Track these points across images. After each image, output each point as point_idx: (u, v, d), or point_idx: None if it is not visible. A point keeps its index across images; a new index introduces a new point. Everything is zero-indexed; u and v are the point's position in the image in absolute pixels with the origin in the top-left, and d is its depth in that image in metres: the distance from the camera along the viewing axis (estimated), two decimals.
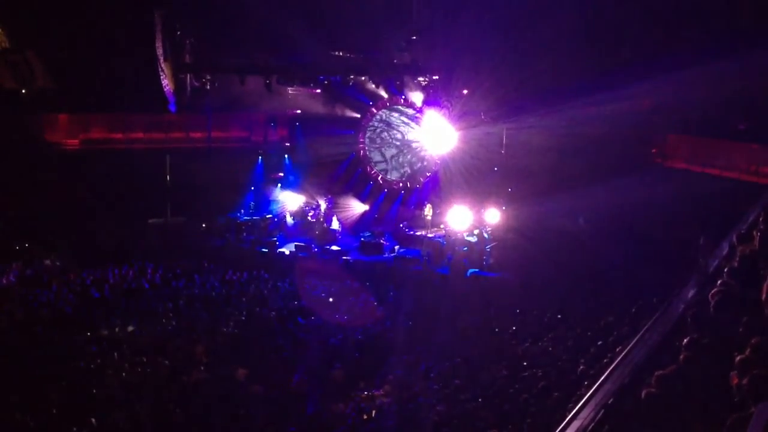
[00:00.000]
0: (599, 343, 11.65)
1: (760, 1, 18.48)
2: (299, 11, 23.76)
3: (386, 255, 24.04)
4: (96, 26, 23.00)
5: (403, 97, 27.12)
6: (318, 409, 13.77)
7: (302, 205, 28.06)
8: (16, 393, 13.05)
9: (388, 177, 28.22)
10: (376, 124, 28.14)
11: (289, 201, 28.32)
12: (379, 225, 26.73)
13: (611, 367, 7.54)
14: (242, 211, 27.10)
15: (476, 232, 23.81)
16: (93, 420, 12.24)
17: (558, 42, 20.43)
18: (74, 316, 17.93)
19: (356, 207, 27.44)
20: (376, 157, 28.35)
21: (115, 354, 15.49)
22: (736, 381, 4.64)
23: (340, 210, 27.19)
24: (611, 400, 6.43)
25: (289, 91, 28.08)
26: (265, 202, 28.25)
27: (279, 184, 28.78)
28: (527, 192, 22.32)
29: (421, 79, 26.04)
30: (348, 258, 23.64)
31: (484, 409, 10.86)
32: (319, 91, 28.07)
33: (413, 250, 24.22)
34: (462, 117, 25.30)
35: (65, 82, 24.37)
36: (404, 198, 27.81)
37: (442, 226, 25.37)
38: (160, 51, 24.45)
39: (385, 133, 28.08)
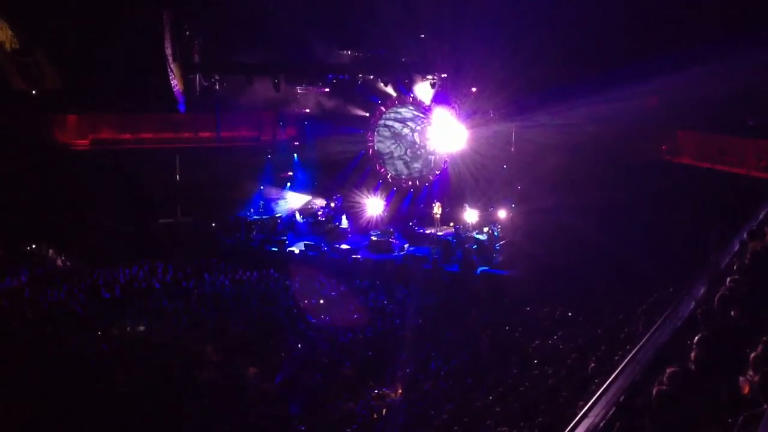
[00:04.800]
0: (610, 340, 11.63)
1: None
2: (307, 10, 23.78)
3: (396, 253, 24.03)
4: (105, 27, 23.07)
5: (412, 95, 27.11)
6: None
7: (311, 203, 28.09)
8: (28, 392, 13.13)
9: (397, 175, 28.20)
10: (385, 122, 28.13)
11: (298, 200, 28.38)
12: (389, 223, 26.72)
13: (622, 365, 7.51)
14: (252, 210, 27.12)
15: (486, 229, 23.81)
16: (104, 419, 12.32)
17: (566, 39, 20.37)
18: (85, 316, 18.03)
19: (369, 205, 27.24)
20: (385, 155, 28.33)
21: (126, 353, 15.57)
22: (747, 390, 4.63)
23: (352, 209, 27.12)
24: (622, 397, 6.41)
25: (298, 90, 28.14)
26: (274, 201, 28.28)
27: (288, 183, 28.84)
28: (536, 189, 22.28)
29: (429, 77, 26.03)
30: (357, 256, 23.64)
31: (494, 407, 10.84)
32: (327, 89, 28.10)
33: (423, 248, 24.22)
34: (471, 115, 25.32)
35: (75, 83, 24.46)
36: (413, 196, 27.81)
37: (451, 223, 25.38)
38: (169, 51, 24.52)
39: (394, 132, 28.06)
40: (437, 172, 27.44)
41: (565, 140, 21.25)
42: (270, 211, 27.64)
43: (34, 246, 23.34)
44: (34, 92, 24.19)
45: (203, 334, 17.06)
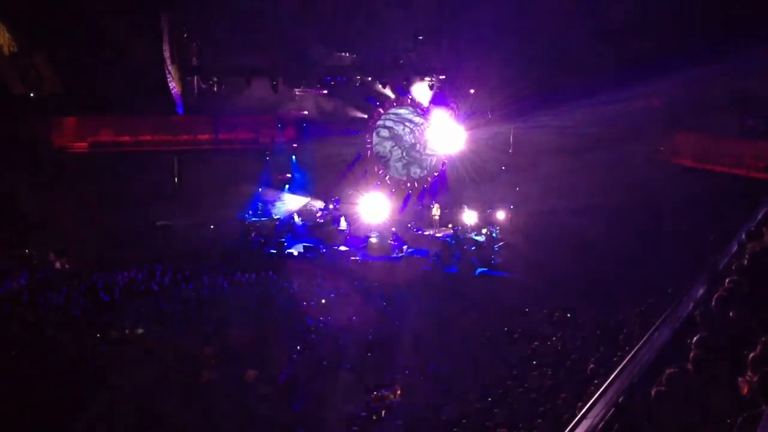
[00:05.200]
0: (608, 341, 11.62)
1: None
2: (306, 13, 23.79)
3: (394, 255, 24.02)
4: (103, 29, 23.04)
5: (410, 97, 27.12)
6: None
7: (310, 205, 28.07)
8: (27, 395, 13.11)
9: (396, 176, 28.19)
10: (383, 123, 28.13)
11: (297, 202, 28.37)
12: (387, 225, 26.67)
13: (621, 366, 7.51)
14: (250, 212, 27.11)
15: (484, 231, 23.82)
16: (103, 421, 12.29)
17: (565, 41, 20.38)
18: (84, 319, 17.99)
19: (368, 207, 27.14)
20: (384, 156, 28.33)
21: (125, 356, 15.54)
22: (745, 391, 4.62)
23: (351, 210, 27.06)
24: (621, 399, 6.40)
25: (296, 92, 28.13)
26: (272, 203, 28.26)
27: (286, 185, 28.83)
28: (535, 191, 22.30)
29: (427, 79, 26.04)
30: (356, 258, 23.62)
31: (493, 408, 10.84)
32: (326, 92, 28.10)
33: (421, 249, 24.20)
34: (469, 116, 25.35)
35: (73, 86, 24.43)
36: (412, 197, 27.80)
37: (450, 225, 25.38)
38: (167, 53, 24.50)
39: (393, 133, 28.06)
40: (436, 174, 27.45)
41: (564, 142, 21.30)
42: (268, 213, 27.63)
43: (33, 249, 23.29)
44: (32, 95, 24.16)
45: (202, 336, 17.03)
